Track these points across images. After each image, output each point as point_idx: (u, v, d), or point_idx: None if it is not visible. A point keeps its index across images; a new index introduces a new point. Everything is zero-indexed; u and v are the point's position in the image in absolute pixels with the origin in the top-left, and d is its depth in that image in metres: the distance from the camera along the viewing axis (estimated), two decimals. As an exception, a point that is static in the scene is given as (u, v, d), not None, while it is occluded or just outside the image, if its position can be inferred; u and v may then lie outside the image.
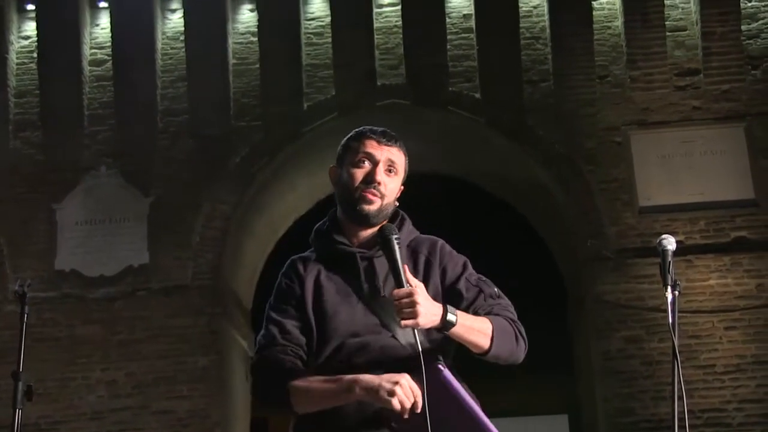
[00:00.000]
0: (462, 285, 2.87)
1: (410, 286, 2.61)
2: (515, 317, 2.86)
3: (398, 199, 2.95)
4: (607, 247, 10.20)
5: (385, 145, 2.90)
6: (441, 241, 2.96)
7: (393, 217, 2.94)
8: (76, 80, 10.83)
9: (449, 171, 12.27)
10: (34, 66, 10.96)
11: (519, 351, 2.83)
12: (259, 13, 10.94)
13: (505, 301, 2.91)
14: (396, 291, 2.60)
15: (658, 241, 3.61)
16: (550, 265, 12.43)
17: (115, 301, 10.34)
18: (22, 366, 3.08)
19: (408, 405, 2.53)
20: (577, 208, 10.48)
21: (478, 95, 10.70)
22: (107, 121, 10.86)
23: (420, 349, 2.58)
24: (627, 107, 10.52)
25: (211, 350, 10.27)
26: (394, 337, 2.74)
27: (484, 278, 2.93)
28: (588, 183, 10.41)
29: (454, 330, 2.67)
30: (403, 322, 2.58)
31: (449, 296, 2.83)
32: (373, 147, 2.88)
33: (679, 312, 3.59)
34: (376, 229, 2.83)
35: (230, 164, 10.74)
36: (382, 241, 2.70)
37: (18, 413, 2.87)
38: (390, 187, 2.88)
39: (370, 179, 2.84)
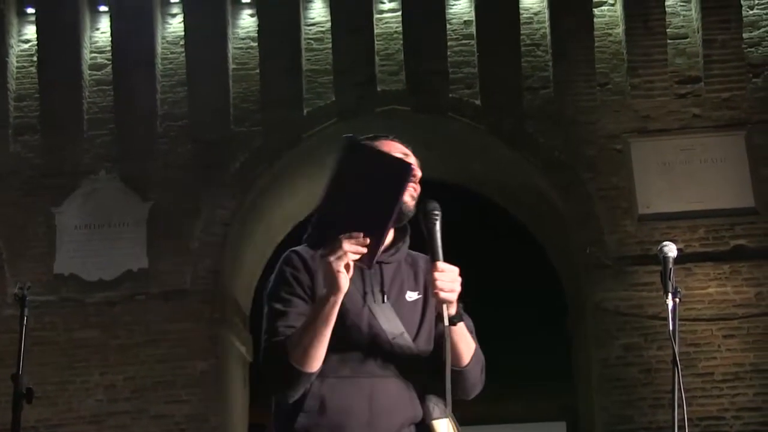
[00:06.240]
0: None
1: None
2: None
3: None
4: (606, 254, 10.19)
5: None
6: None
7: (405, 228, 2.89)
8: (75, 84, 10.82)
9: (448, 178, 12.24)
10: (33, 70, 10.95)
11: (479, 384, 2.82)
12: (259, 18, 10.93)
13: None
14: (442, 264, 2.63)
15: (659, 248, 3.60)
16: (549, 272, 12.43)
17: (114, 305, 10.33)
18: (21, 369, 3.07)
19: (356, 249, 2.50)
20: (576, 216, 10.47)
21: (478, 102, 10.70)
22: (107, 126, 10.85)
23: (447, 323, 2.60)
24: (627, 115, 10.51)
25: (210, 355, 10.25)
26: (397, 343, 2.70)
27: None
28: (588, 190, 10.41)
29: (457, 328, 2.66)
30: (442, 294, 2.60)
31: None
32: None
33: (678, 320, 3.58)
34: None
35: (230, 169, 10.72)
36: (424, 216, 2.70)
37: (18, 415, 2.86)
38: None
39: None
